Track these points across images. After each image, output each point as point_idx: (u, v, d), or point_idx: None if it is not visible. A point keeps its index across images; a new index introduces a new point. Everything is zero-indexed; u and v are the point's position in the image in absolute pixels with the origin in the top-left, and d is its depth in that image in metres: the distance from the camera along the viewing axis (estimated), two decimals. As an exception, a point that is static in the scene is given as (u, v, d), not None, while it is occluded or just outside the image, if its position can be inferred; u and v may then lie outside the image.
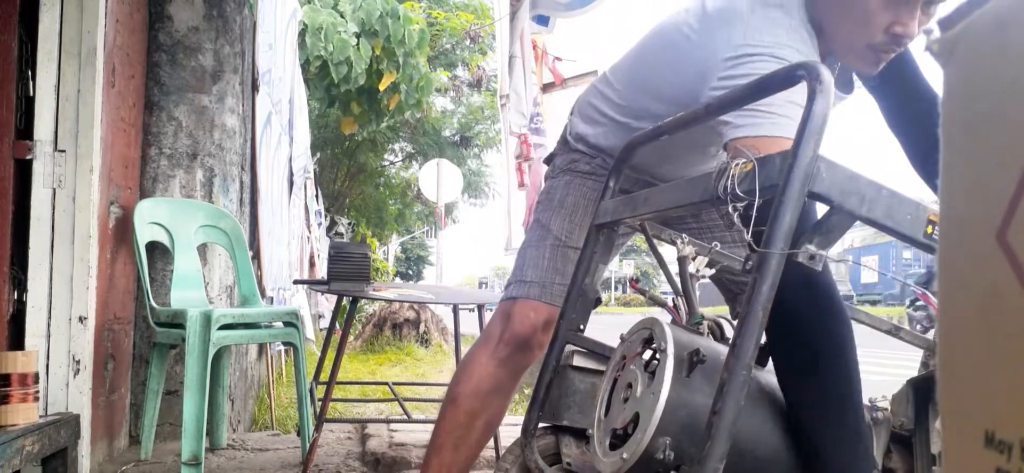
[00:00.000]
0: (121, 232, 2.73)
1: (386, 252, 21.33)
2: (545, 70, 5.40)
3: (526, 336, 1.56)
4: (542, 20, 4.99)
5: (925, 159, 1.51)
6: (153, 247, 2.84)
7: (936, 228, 0.92)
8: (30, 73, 2.39)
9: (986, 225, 0.36)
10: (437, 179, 11.09)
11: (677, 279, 1.31)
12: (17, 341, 2.30)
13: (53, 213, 2.29)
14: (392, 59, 5.94)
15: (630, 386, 1.08)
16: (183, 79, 3.09)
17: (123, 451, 2.83)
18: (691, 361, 1.00)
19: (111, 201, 2.64)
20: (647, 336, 1.11)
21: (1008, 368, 0.35)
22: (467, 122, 14.67)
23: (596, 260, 1.32)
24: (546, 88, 5.41)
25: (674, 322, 1.24)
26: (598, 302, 1.36)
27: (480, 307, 2.71)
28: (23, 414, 1.91)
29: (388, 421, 3.23)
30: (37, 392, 1.97)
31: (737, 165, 0.93)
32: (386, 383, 3.84)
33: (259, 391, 4.40)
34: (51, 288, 2.28)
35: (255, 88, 3.51)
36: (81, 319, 2.30)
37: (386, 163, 15.52)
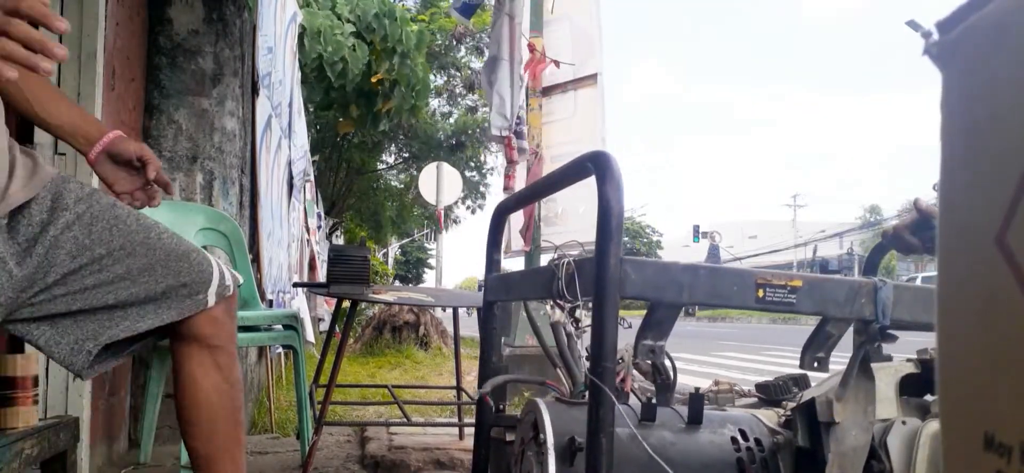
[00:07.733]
0: (121, 235, 2.73)
1: (385, 255, 21.31)
2: (543, 74, 5.39)
3: None
4: (466, 9, 4.90)
5: None
6: (153, 250, 2.83)
7: (767, 290, 0.92)
8: (30, 76, 2.39)
9: (985, 228, 0.36)
10: (437, 182, 11.08)
11: (555, 349, 1.26)
12: (17, 343, 2.30)
13: (53, 216, 2.29)
14: (389, 60, 5.94)
15: None
16: (183, 82, 3.09)
17: (123, 454, 2.83)
18: (570, 449, 1.01)
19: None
20: (534, 420, 1.11)
21: (1008, 370, 0.35)
22: (462, 124, 14.64)
23: (497, 334, 1.32)
24: (546, 91, 5.41)
25: (558, 398, 1.21)
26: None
27: (480, 310, 2.71)
28: (22, 417, 1.91)
29: (388, 424, 3.23)
30: (36, 395, 1.97)
31: (562, 267, 0.94)
32: (386, 386, 3.83)
33: (259, 394, 4.40)
34: (50, 291, 2.28)
35: (255, 91, 3.51)
36: (80, 322, 2.29)
37: (383, 167, 15.51)
